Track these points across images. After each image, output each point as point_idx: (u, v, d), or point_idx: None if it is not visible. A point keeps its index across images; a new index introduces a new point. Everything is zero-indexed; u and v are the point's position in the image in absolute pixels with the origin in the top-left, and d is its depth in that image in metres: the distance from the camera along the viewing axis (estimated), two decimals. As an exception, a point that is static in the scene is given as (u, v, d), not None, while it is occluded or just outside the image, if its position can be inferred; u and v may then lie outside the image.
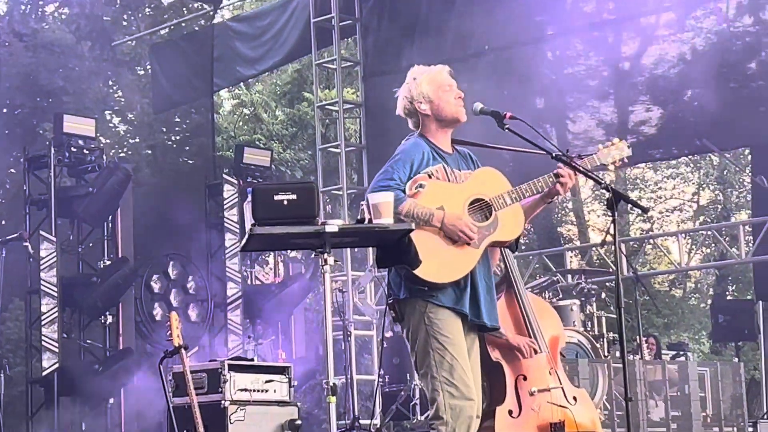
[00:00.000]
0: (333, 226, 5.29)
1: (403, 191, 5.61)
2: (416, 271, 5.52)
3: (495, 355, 6.67)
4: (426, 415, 10.32)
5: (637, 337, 11.57)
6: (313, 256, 5.42)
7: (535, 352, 6.74)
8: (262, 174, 15.11)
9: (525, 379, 6.70)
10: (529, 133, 5.82)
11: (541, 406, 6.66)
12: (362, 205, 5.44)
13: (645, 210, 6.31)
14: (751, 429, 10.71)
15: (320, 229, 5.28)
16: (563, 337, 7.24)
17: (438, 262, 5.57)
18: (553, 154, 5.77)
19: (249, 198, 5.34)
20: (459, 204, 5.68)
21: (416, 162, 5.71)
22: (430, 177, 5.70)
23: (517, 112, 5.85)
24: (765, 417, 11.62)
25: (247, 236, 5.32)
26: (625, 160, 5.96)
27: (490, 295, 5.80)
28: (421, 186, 5.65)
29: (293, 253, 16.04)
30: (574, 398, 6.83)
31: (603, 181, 5.73)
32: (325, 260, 5.41)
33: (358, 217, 5.45)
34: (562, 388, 6.80)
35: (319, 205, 5.40)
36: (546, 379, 6.77)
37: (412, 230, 5.40)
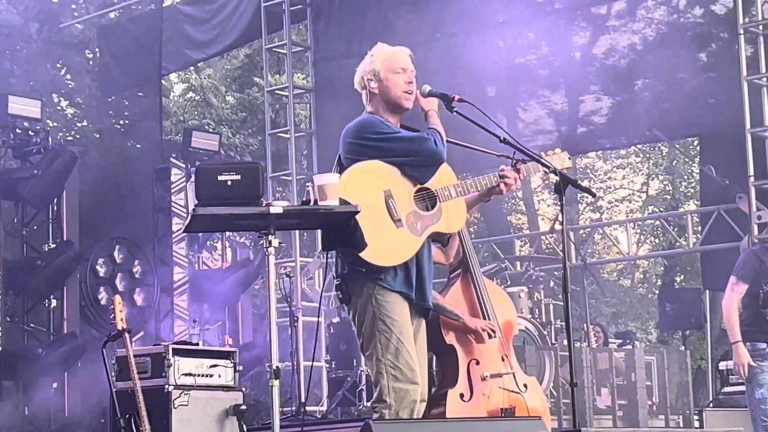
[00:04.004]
0: (277, 207, 5.22)
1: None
2: (361, 253, 5.47)
3: (449, 338, 6.66)
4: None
5: (585, 325, 11.59)
6: (261, 241, 5.34)
7: (491, 335, 6.72)
8: (210, 158, 15.00)
9: (477, 363, 6.68)
10: (477, 117, 5.79)
11: (492, 391, 6.65)
12: (308, 186, 5.39)
13: (593, 194, 6.29)
14: (696, 417, 10.75)
15: (264, 210, 5.21)
16: (516, 323, 7.23)
17: (381, 246, 5.54)
18: (501, 138, 5.74)
19: (192, 178, 5.27)
20: (406, 190, 5.67)
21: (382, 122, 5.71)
22: None
23: (468, 99, 5.81)
24: (711, 406, 11.68)
25: (189, 217, 5.25)
26: (565, 171, 5.93)
27: (430, 280, 5.81)
28: None
29: (241, 238, 15.94)
30: (525, 385, 6.82)
31: (551, 166, 5.73)
32: (270, 242, 5.33)
33: (303, 198, 5.39)
34: (514, 374, 6.79)
35: (264, 186, 5.33)
36: (498, 365, 6.75)
37: (357, 212, 5.35)
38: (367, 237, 5.47)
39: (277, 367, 5.25)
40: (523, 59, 13.93)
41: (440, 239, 5.93)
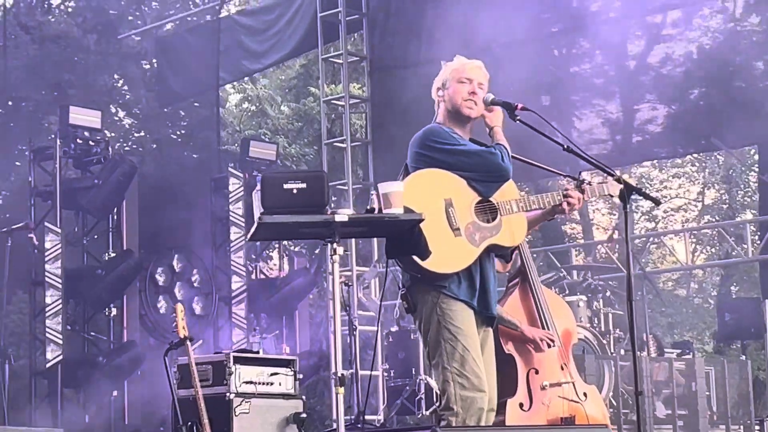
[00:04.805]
0: (343, 215, 5.24)
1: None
2: (422, 262, 5.49)
3: (508, 347, 6.66)
4: (432, 408, 10.30)
5: (644, 335, 11.53)
6: (317, 250, 5.37)
7: (550, 344, 6.70)
8: (268, 168, 15.09)
9: (537, 372, 6.67)
10: (540, 126, 5.80)
11: (552, 401, 6.63)
12: (372, 194, 5.41)
13: (657, 202, 6.24)
14: (758, 427, 10.67)
15: (329, 218, 5.23)
16: (575, 332, 7.19)
17: (436, 252, 5.54)
18: (565, 146, 5.74)
19: (258, 187, 5.30)
20: (467, 200, 5.67)
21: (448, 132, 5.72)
22: None
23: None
24: (771, 416, 11.59)
25: (255, 225, 5.26)
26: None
27: (495, 290, 5.81)
28: None
29: (298, 248, 15.98)
30: (585, 394, 6.79)
31: (615, 173, 5.72)
32: (334, 250, 5.36)
33: (368, 206, 5.41)
34: (573, 383, 6.77)
35: (328, 194, 5.35)
36: (558, 374, 6.73)
37: (422, 220, 5.36)
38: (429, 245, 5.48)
39: (342, 374, 5.27)
40: (577, 68, 13.90)
41: (501, 253, 5.90)
